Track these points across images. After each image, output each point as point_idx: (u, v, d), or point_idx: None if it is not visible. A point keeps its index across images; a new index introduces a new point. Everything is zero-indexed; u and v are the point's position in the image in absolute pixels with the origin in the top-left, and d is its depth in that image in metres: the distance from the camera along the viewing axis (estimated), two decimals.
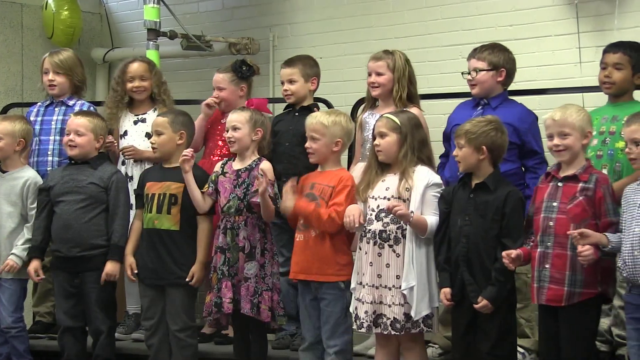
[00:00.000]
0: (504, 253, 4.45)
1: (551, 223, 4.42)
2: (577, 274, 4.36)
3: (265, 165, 5.08)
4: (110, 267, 5.34)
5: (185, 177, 5.13)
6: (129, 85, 5.87)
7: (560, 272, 4.38)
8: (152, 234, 5.24)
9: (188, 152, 5.11)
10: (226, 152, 5.62)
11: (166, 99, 5.86)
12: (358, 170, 5.23)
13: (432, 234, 4.68)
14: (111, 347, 5.47)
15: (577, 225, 4.35)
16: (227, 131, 5.15)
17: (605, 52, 5.15)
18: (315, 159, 4.99)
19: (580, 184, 4.40)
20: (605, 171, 4.86)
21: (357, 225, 4.73)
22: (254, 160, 5.11)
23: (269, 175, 5.01)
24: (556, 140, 4.45)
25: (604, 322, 5.01)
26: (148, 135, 5.70)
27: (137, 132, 5.86)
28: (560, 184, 4.46)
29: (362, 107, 5.60)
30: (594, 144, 4.99)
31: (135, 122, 5.88)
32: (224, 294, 5.00)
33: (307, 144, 4.98)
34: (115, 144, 5.84)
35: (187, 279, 5.15)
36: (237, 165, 5.15)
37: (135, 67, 5.89)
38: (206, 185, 5.15)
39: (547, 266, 4.42)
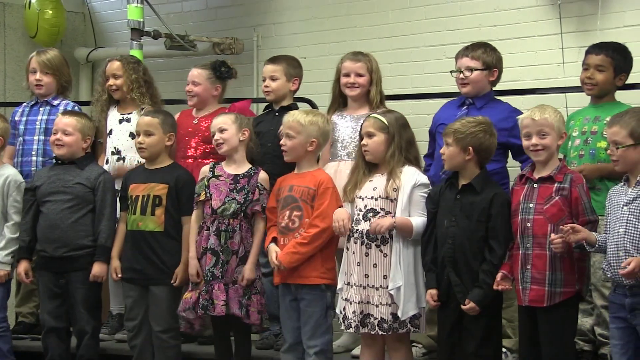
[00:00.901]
0: (494, 286, 4.46)
1: (529, 224, 4.44)
2: (557, 273, 4.39)
3: (264, 175, 5.08)
4: (98, 268, 5.32)
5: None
6: (107, 84, 5.87)
7: (540, 273, 4.41)
8: (136, 235, 5.23)
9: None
10: (200, 153, 5.63)
11: (137, 97, 5.80)
12: (330, 170, 5.22)
13: (419, 235, 4.69)
14: (95, 348, 5.45)
15: (555, 225, 4.37)
16: (213, 135, 5.14)
17: (587, 53, 5.17)
18: (289, 157, 4.98)
19: (556, 184, 4.43)
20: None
21: (347, 231, 4.75)
22: (252, 168, 5.10)
23: (266, 185, 5.04)
24: (534, 140, 4.47)
25: (587, 322, 5.03)
26: (132, 135, 5.69)
27: (122, 132, 5.83)
28: (535, 185, 4.48)
29: (329, 108, 5.55)
30: (577, 144, 5.01)
31: (120, 121, 5.86)
32: (216, 296, 4.98)
33: (282, 141, 4.98)
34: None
35: (171, 281, 5.15)
36: (231, 169, 5.12)
37: (110, 66, 5.89)
38: (202, 194, 5.11)
39: (528, 267, 4.44)
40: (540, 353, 4.44)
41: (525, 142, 4.53)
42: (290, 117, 4.97)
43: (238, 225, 5.02)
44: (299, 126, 4.91)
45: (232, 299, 4.98)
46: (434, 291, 4.61)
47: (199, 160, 5.60)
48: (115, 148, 5.81)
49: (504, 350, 5.04)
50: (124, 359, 5.55)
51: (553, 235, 4.33)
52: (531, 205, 4.46)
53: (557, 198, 4.41)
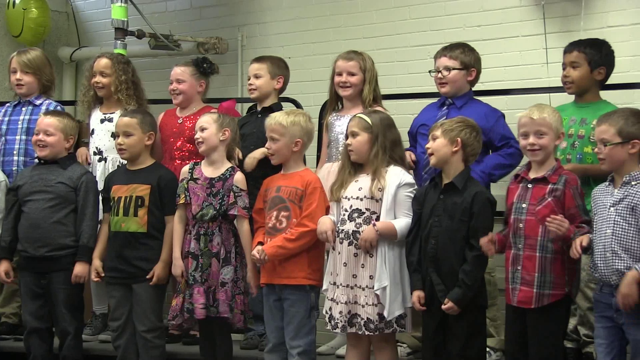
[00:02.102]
0: (481, 240, 4.44)
1: (521, 225, 4.44)
2: (546, 275, 4.39)
3: (239, 177, 5.06)
4: (80, 268, 5.30)
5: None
6: (92, 80, 5.84)
7: (530, 274, 4.41)
8: (119, 236, 5.22)
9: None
10: (186, 154, 5.62)
11: (124, 99, 5.77)
12: (324, 171, 5.24)
13: (404, 236, 4.67)
14: (78, 348, 5.44)
15: (546, 227, 4.36)
16: (196, 133, 5.13)
17: (564, 52, 5.18)
18: (275, 159, 4.98)
19: (550, 185, 4.42)
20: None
21: (332, 242, 4.75)
22: (228, 170, 5.09)
23: (242, 186, 5.01)
24: (532, 139, 4.45)
25: (570, 322, 5.02)
26: (114, 136, 5.67)
27: (103, 131, 5.81)
28: (530, 186, 4.47)
29: (327, 108, 5.57)
30: (563, 147, 5.01)
31: (102, 121, 5.83)
32: (196, 300, 4.98)
33: (267, 145, 4.98)
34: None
35: (148, 277, 5.14)
36: (208, 171, 5.11)
37: (98, 62, 5.87)
38: (182, 196, 5.11)
39: (518, 268, 4.44)
40: (526, 352, 4.45)
41: (522, 142, 4.51)
42: (272, 120, 4.97)
43: (217, 228, 5.02)
44: (281, 128, 4.91)
45: (222, 302, 4.97)
46: (421, 293, 4.61)
47: (186, 161, 5.59)
48: (97, 148, 5.80)
49: (487, 349, 5.05)
50: (108, 359, 5.53)
51: (553, 216, 4.29)
52: (524, 205, 4.45)
53: (549, 199, 4.40)
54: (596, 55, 5.05)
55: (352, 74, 5.33)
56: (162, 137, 5.70)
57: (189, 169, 5.17)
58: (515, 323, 4.50)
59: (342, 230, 4.75)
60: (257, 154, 5.24)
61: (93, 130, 5.85)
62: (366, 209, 4.72)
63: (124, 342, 5.25)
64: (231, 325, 5.07)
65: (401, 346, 5.31)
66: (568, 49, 5.13)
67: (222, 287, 4.99)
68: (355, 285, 4.71)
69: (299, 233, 4.80)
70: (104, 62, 5.84)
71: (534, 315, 4.41)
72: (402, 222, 4.67)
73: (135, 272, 5.18)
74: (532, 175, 4.49)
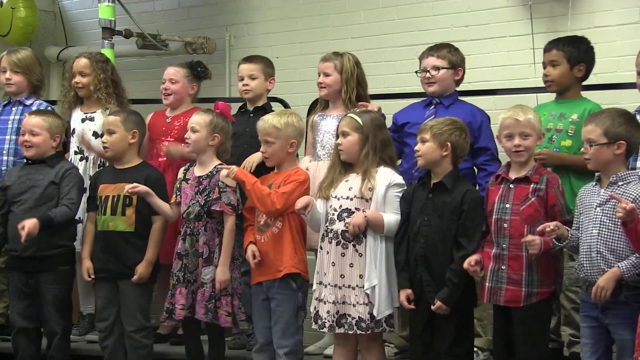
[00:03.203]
0: (465, 264, 4.46)
1: (505, 225, 4.45)
2: (534, 274, 4.41)
3: (225, 173, 4.99)
4: (30, 222, 5.07)
5: (151, 201, 5.10)
6: (72, 80, 5.83)
7: (517, 274, 4.42)
8: (107, 236, 5.21)
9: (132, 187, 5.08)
10: None
11: (103, 97, 5.75)
12: (311, 169, 5.23)
13: (391, 231, 4.68)
14: (66, 348, 5.42)
15: (531, 227, 4.39)
16: (187, 131, 5.13)
17: (544, 51, 5.19)
18: (271, 162, 4.97)
19: (532, 185, 4.44)
20: (550, 169, 4.90)
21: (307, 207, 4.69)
22: (215, 167, 5.07)
23: (228, 182, 4.98)
24: (517, 141, 4.46)
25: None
26: (95, 135, 5.66)
27: (84, 131, 5.79)
28: (512, 186, 4.49)
29: (316, 107, 5.59)
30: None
31: (83, 120, 5.82)
32: (176, 300, 4.98)
33: (262, 149, 4.97)
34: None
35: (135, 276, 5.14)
36: (198, 171, 5.11)
37: (77, 62, 5.86)
38: (174, 196, 5.13)
39: (503, 267, 4.45)
40: (513, 352, 4.46)
41: (507, 144, 4.50)
42: (265, 124, 4.94)
43: (203, 228, 5.00)
44: (275, 131, 4.89)
45: (198, 303, 4.96)
46: (409, 291, 4.62)
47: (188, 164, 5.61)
48: (78, 147, 5.78)
49: (475, 349, 5.06)
50: (95, 359, 5.53)
51: (529, 237, 4.33)
52: (507, 205, 4.46)
53: (533, 199, 4.42)
54: (575, 52, 5.04)
55: (327, 75, 5.35)
56: (151, 136, 5.69)
57: (184, 170, 5.17)
58: (501, 323, 4.52)
59: (331, 229, 4.75)
60: (256, 158, 5.22)
61: (74, 129, 5.82)
62: (356, 208, 4.72)
63: (112, 343, 5.24)
64: (220, 327, 5.04)
65: (389, 346, 5.32)
66: (547, 48, 5.14)
67: (200, 288, 4.98)
68: (344, 285, 4.71)
69: (271, 193, 4.77)
70: (82, 62, 5.83)
71: (521, 314, 4.42)
72: (390, 217, 4.68)
73: (123, 270, 5.17)
74: (512, 175, 4.51)
